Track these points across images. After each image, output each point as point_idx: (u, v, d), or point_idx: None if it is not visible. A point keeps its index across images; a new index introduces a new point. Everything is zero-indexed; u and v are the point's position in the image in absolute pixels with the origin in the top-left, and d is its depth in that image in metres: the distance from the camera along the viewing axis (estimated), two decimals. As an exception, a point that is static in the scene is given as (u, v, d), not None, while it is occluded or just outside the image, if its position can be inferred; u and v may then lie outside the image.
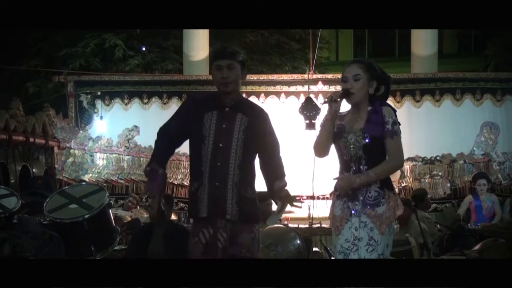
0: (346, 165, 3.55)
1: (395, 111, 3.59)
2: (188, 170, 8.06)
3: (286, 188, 3.68)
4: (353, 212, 3.51)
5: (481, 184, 8.32)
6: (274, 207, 6.74)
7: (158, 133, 3.75)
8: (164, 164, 3.69)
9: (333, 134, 3.56)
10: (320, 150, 3.57)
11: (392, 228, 3.60)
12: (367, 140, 3.50)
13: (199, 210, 3.57)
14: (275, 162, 3.72)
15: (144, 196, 7.70)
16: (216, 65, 3.61)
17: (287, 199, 3.68)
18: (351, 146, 3.52)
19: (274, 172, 3.71)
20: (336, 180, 3.58)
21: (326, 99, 3.51)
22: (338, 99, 3.49)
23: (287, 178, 3.74)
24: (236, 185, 3.56)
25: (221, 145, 3.56)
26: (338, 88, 3.83)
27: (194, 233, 3.61)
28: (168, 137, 3.70)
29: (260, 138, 3.64)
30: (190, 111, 3.69)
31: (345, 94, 3.51)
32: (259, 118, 3.67)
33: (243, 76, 3.66)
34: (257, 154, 3.69)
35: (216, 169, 3.55)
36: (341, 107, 3.55)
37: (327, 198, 8.50)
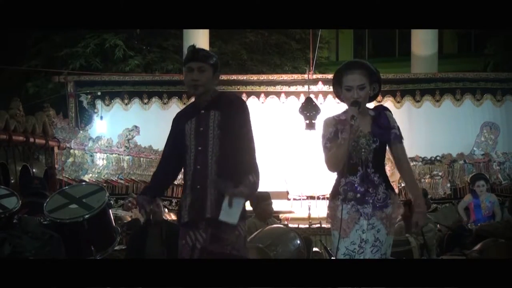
0: (352, 168, 3.54)
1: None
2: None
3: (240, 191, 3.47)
4: (363, 215, 3.52)
5: (480, 185, 8.30)
6: (275, 206, 6.81)
7: (160, 160, 3.83)
8: (157, 185, 3.77)
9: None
10: (338, 166, 3.53)
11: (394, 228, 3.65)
12: (377, 144, 3.54)
13: (181, 216, 3.63)
14: (244, 156, 3.57)
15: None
16: (188, 67, 3.62)
17: (231, 191, 3.44)
18: (362, 150, 3.52)
19: (240, 171, 3.53)
20: (353, 194, 3.55)
21: (350, 122, 3.42)
22: (356, 116, 3.47)
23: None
24: (214, 183, 3.53)
25: (200, 148, 3.58)
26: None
27: (182, 236, 3.64)
28: (163, 166, 3.75)
29: (232, 131, 3.57)
30: (176, 126, 3.74)
31: (357, 107, 3.51)
32: (232, 110, 3.61)
33: (215, 79, 3.66)
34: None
35: (197, 172, 3.57)
36: (335, 108, 3.55)
37: (327, 198, 8.49)
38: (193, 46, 3.66)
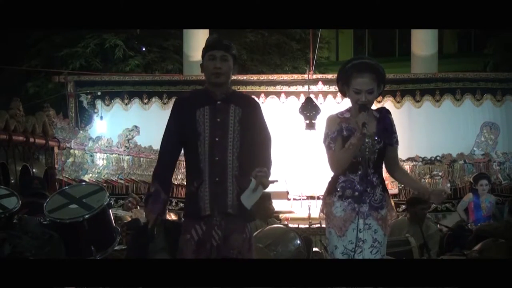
0: (353, 166, 3.56)
1: None
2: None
3: (263, 171, 3.41)
4: (359, 214, 3.53)
5: (483, 184, 8.28)
6: (275, 206, 6.80)
7: (161, 147, 3.69)
8: (166, 188, 3.64)
9: (344, 137, 3.57)
10: (342, 168, 3.57)
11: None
12: (380, 145, 3.58)
13: (201, 208, 3.51)
14: (264, 157, 3.56)
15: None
16: (210, 55, 3.57)
17: (261, 178, 3.39)
18: (367, 150, 3.55)
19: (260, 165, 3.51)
20: (342, 181, 3.59)
21: (362, 130, 3.44)
22: (367, 123, 3.49)
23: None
24: (236, 179, 3.51)
25: (217, 139, 3.52)
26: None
27: (186, 230, 3.56)
28: (169, 153, 3.64)
29: (254, 129, 3.59)
30: (181, 110, 3.64)
31: (366, 111, 3.54)
32: (252, 109, 3.64)
33: (234, 70, 3.64)
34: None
35: (215, 164, 3.50)
36: (335, 108, 3.59)
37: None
38: (216, 35, 3.65)
